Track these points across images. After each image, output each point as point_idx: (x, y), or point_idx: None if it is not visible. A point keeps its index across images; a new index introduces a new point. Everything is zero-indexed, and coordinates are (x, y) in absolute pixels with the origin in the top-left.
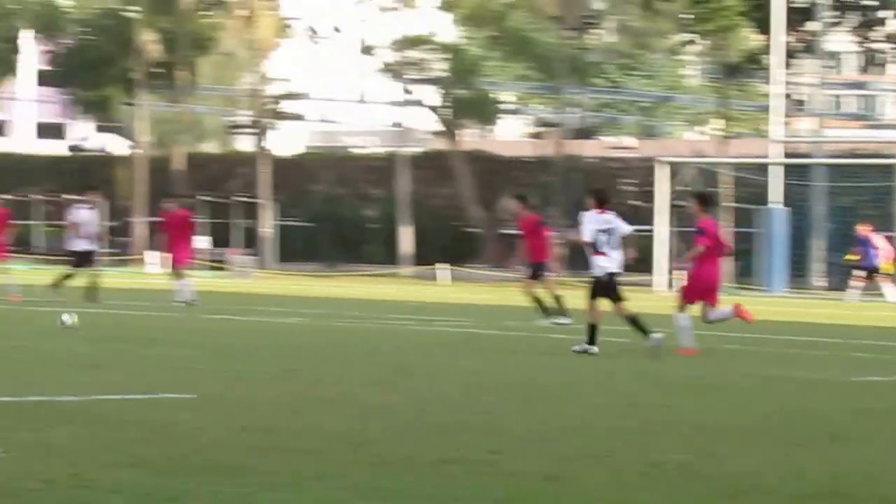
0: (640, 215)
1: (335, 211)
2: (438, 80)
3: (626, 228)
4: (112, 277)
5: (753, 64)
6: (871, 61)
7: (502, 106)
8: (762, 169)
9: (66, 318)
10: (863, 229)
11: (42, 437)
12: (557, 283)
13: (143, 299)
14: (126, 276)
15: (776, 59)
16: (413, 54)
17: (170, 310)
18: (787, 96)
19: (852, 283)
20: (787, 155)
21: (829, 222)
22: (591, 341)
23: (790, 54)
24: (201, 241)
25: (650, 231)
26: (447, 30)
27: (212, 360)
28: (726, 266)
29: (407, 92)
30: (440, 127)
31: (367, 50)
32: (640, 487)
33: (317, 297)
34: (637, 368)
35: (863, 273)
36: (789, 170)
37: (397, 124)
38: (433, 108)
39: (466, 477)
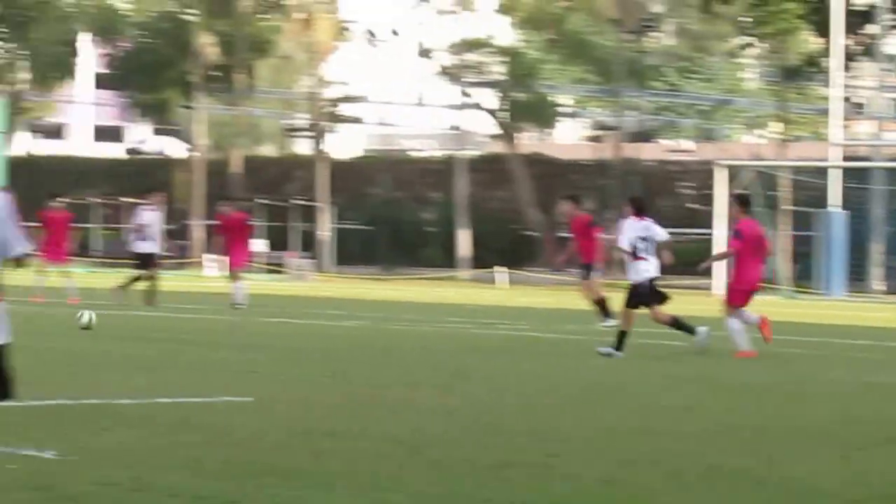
0: (699, 218)
1: (393, 214)
2: (496, 84)
3: (662, 235)
4: (170, 280)
5: (812, 67)
6: None
7: (560, 109)
8: (821, 172)
9: (84, 318)
10: None
11: (99, 440)
12: (604, 285)
13: (200, 302)
14: (184, 279)
15: (835, 63)
16: (471, 57)
17: (227, 313)
18: (846, 99)
19: None
20: (846, 158)
21: (888, 226)
22: (619, 347)
23: (849, 57)
24: (259, 245)
25: (709, 234)
26: (505, 33)
27: (269, 364)
28: (785, 270)
29: (465, 95)
30: (498, 130)
31: (424, 53)
32: (697, 491)
33: (374, 301)
34: (696, 372)
35: None
36: (848, 173)
37: (455, 127)
38: (491, 112)
39: (524, 480)
